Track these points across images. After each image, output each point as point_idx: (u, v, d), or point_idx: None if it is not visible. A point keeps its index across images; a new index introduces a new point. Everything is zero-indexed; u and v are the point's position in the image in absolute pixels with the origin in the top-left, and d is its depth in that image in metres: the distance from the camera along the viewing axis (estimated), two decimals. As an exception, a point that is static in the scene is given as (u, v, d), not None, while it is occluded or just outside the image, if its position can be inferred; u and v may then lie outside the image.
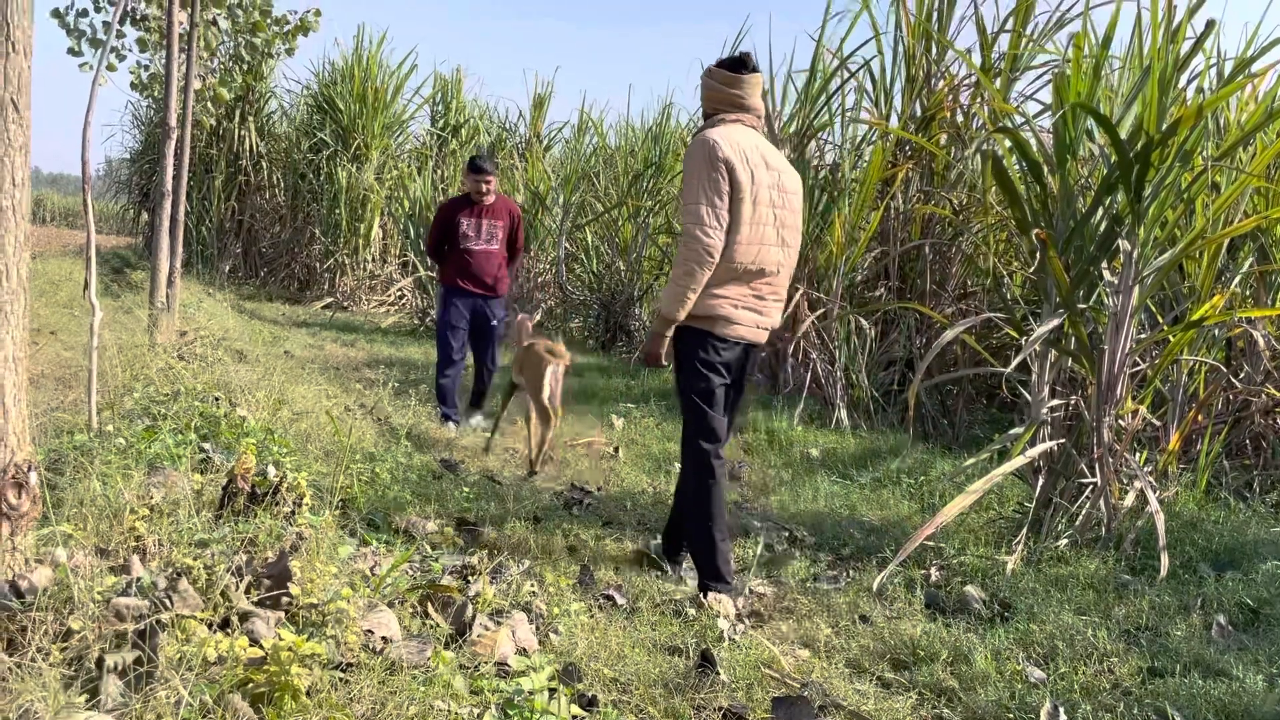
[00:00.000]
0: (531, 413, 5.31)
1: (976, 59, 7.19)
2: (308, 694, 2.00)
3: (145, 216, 18.58)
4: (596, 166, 12.77)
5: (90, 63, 9.05)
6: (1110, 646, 3.14)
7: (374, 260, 15.46)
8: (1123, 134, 4.18)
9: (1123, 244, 4.18)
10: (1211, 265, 5.03)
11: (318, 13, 10.54)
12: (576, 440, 6.20)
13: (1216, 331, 5.35)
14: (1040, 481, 4.37)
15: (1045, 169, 4.50)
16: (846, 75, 8.09)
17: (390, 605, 2.65)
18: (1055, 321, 4.18)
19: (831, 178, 8.15)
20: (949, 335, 4.19)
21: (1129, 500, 4.20)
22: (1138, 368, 5.03)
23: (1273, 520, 4.64)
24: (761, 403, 7.30)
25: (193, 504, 2.78)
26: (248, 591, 2.31)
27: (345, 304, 14.75)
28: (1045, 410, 4.33)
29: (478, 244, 6.39)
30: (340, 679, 2.14)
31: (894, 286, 7.81)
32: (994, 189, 6.73)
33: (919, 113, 7.70)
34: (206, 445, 3.71)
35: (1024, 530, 4.18)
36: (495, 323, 6.52)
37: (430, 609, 2.77)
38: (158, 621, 2.00)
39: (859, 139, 8.41)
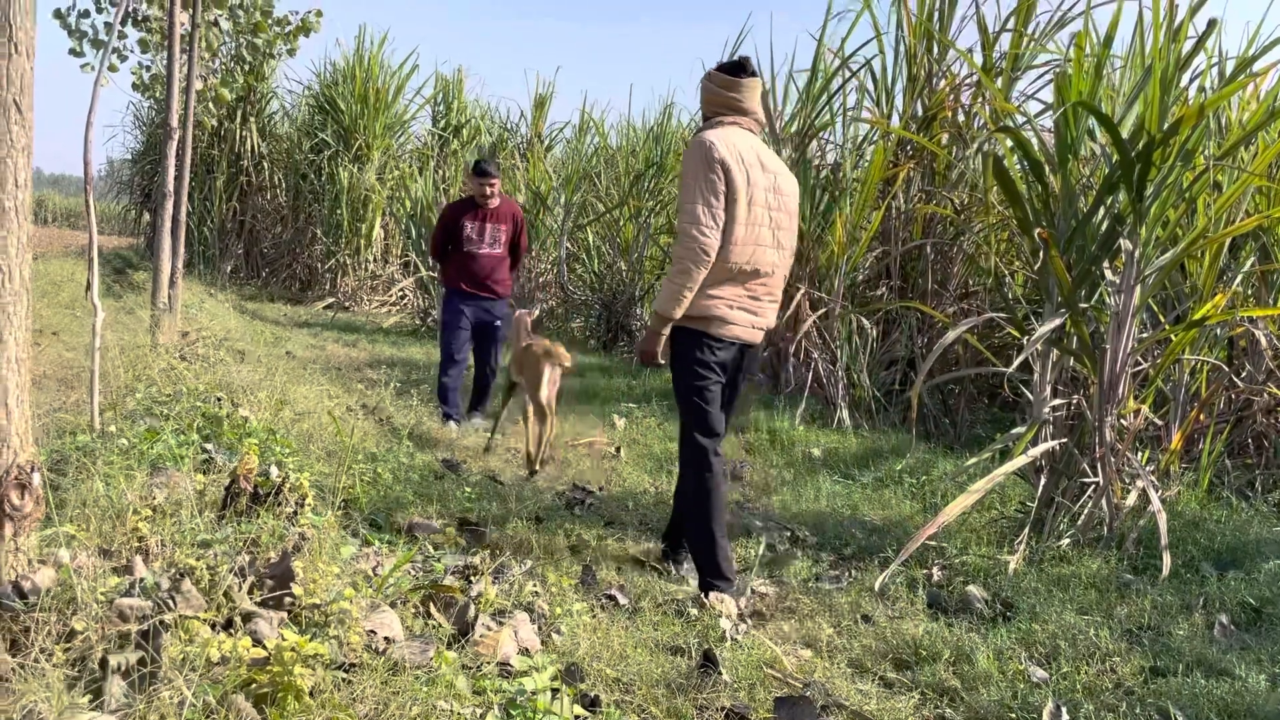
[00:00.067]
0: (530, 412, 5.32)
1: (978, 58, 7.20)
2: (311, 694, 2.00)
3: (147, 217, 18.60)
4: (598, 166, 12.78)
5: (92, 64, 9.06)
6: (1113, 646, 3.14)
7: (375, 260, 15.47)
8: (1124, 133, 4.18)
9: (1124, 243, 4.18)
10: (1213, 264, 5.02)
11: (319, 13, 10.55)
12: (578, 440, 6.20)
13: (1218, 331, 5.34)
14: (1042, 481, 4.37)
15: (1047, 168, 4.50)
16: (848, 75, 8.09)
17: (393, 605, 2.66)
18: (1057, 321, 4.18)
19: (833, 177, 8.15)
20: (951, 336, 4.19)
21: (1131, 500, 4.20)
22: (1140, 367, 5.02)
23: (1275, 519, 4.64)
24: (763, 402, 7.30)
25: (195, 504, 2.78)
26: (251, 592, 2.31)
27: (347, 304, 14.76)
28: (1047, 409, 4.32)
29: (481, 247, 6.42)
30: (343, 679, 2.14)
31: (895, 286, 7.81)
32: (995, 188, 6.72)
33: (920, 112, 7.70)
34: (209, 446, 3.71)
35: (1026, 530, 4.18)
36: (498, 323, 6.53)
37: (433, 609, 2.77)
38: (161, 622, 2.00)
39: (860, 138, 8.41)
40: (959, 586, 3.76)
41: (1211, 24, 4.14)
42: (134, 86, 10.17)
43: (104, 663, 1.93)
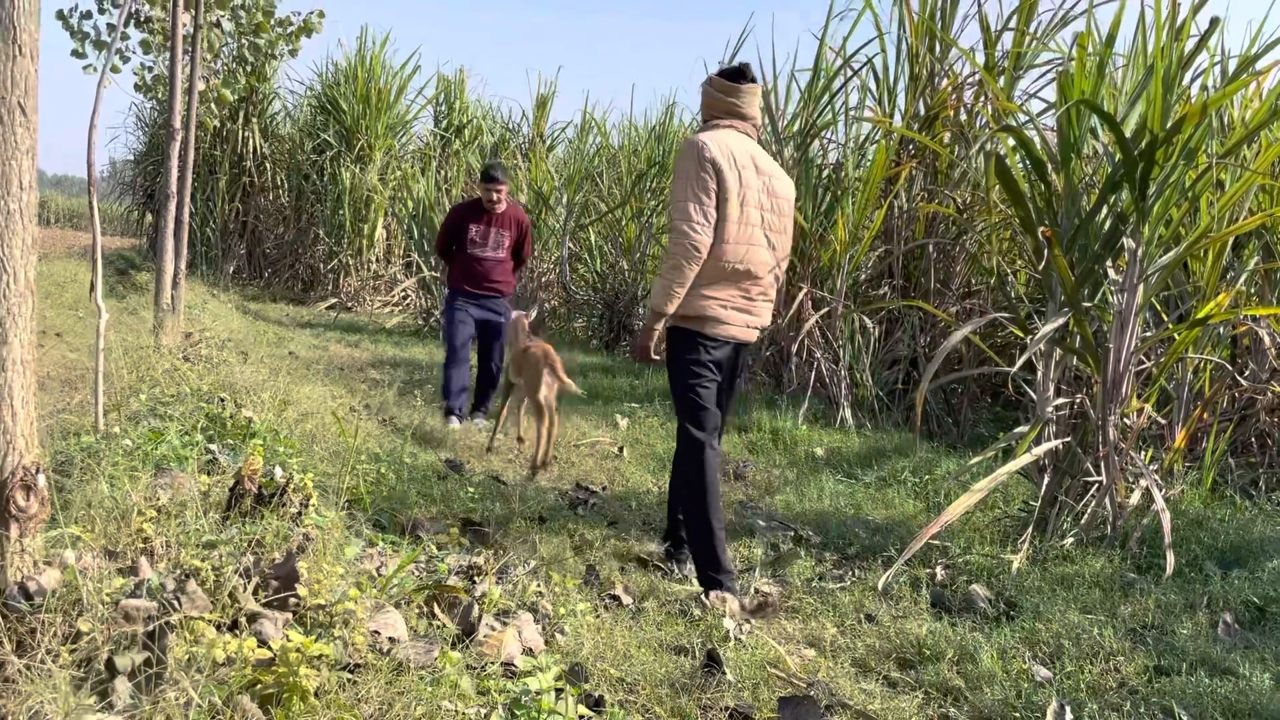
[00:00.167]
0: (530, 412, 5.35)
1: (980, 57, 7.19)
2: (316, 695, 2.01)
3: (149, 218, 18.63)
4: (600, 166, 12.78)
5: (94, 65, 9.07)
6: (1116, 645, 3.14)
7: (378, 261, 15.49)
8: (1127, 132, 4.17)
9: (1127, 242, 4.18)
10: (1216, 263, 5.02)
11: (321, 14, 10.55)
12: (581, 440, 6.21)
13: (1221, 329, 5.34)
14: (1045, 480, 4.37)
15: (1049, 167, 4.50)
16: (850, 74, 8.09)
17: (397, 606, 2.66)
18: (1060, 320, 4.18)
19: (835, 176, 8.15)
20: (956, 338, 4.18)
21: (1135, 498, 4.20)
22: (1143, 366, 5.02)
23: (1279, 518, 4.64)
24: (766, 402, 7.30)
25: (200, 505, 2.79)
26: (255, 593, 2.31)
27: (349, 305, 14.78)
28: (1050, 409, 4.32)
29: (485, 250, 6.54)
30: (348, 680, 2.15)
31: (898, 285, 7.81)
32: (998, 187, 6.71)
33: (922, 111, 7.70)
34: (213, 447, 3.71)
35: (1029, 529, 4.18)
36: (500, 319, 6.59)
37: (436, 609, 2.77)
38: (166, 623, 2.01)
39: (862, 138, 8.41)
40: (962, 586, 3.76)
41: (1214, 22, 4.14)
42: (136, 88, 10.17)
43: (110, 664, 1.93)
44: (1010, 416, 7.29)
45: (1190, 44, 4.23)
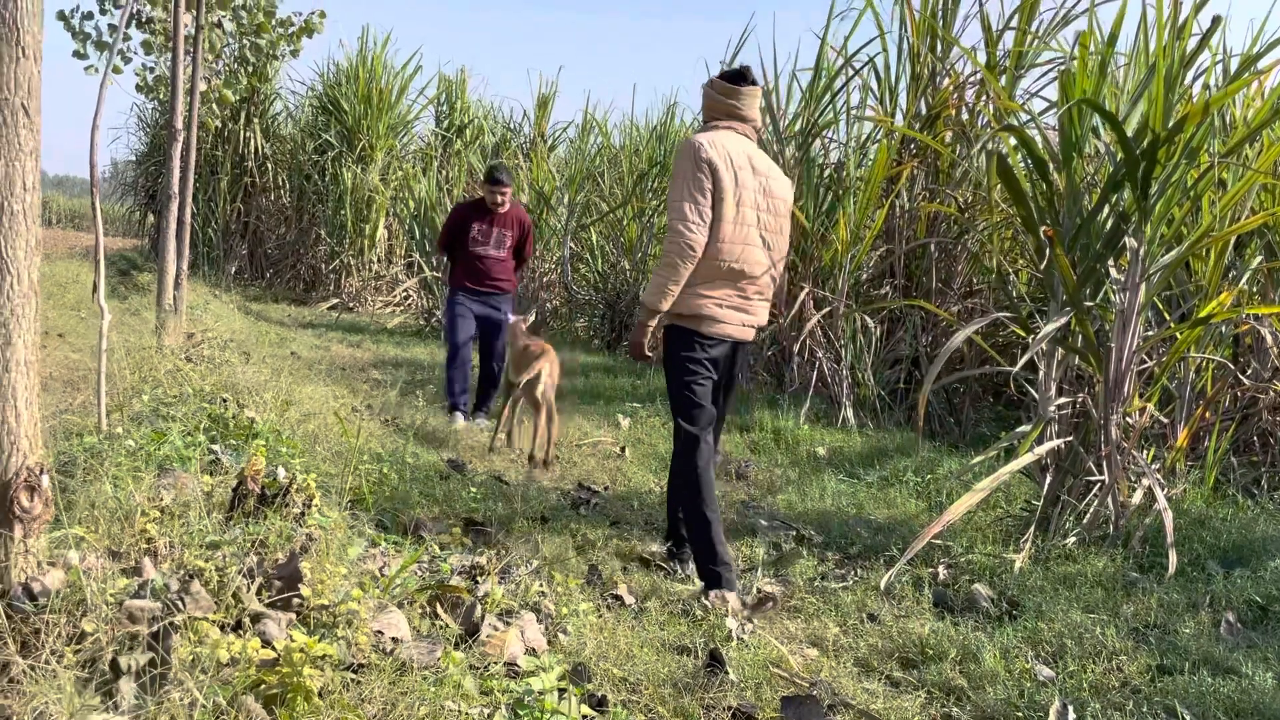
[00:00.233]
0: (526, 411, 5.43)
1: (981, 56, 7.19)
2: (320, 695, 2.01)
3: (151, 218, 18.62)
4: (601, 166, 12.78)
5: (96, 66, 9.07)
6: (1119, 644, 3.14)
7: (379, 261, 15.49)
8: (1129, 131, 4.17)
9: (1129, 241, 4.18)
10: (1219, 262, 5.01)
11: (322, 14, 10.55)
12: (583, 440, 6.21)
13: (1224, 328, 5.33)
14: (1048, 479, 4.37)
15: (1051, 166, 4.50)
16: (851, 73, 8.09)
17: (400, 606, 2.66)
18: (1062, 319, 4.18)
19: (837, 176, 8.14)
20: (959, 338, 4.18)
21: (1137, 498, 4.19)
22: (1145, 365, 5.02)
23: (1281, 517, 4.63)
24: (768, 401, 7.31)
25: (203, 506, 2.79)
26: (259, 593, 2.32)
27: (351, 305, 14.79)
28: (1052, 408, 4.32)
29: (487, 249, 6.61)
30: (351, 680, 2.15)
31: (899, 284, 7.81)
32: (999, 187, 6.71)
33: (924, 110, 7.69)
34: (215, 447, 3.72)
35: (1032, 528, 4.18)
36: (503, 316, 6.65)
37: (439, 609, 2.77)
38: (170, 623, 2.01)
39: (864, 137, 8.41)
40: (965, 585, 3.76)
41: (1216, 21, 4.14)
42: (138, 88, 10.16)
43: (115, 664, 1.94)
44: (1012, 416, 7.29)
45: (1192, 43, 4.23)
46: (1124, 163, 4.03)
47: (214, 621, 2.14)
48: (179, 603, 2.10)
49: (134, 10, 8.92)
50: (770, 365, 8.21)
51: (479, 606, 2.79)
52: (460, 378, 6.60)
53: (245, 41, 10.38)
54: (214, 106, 9.80)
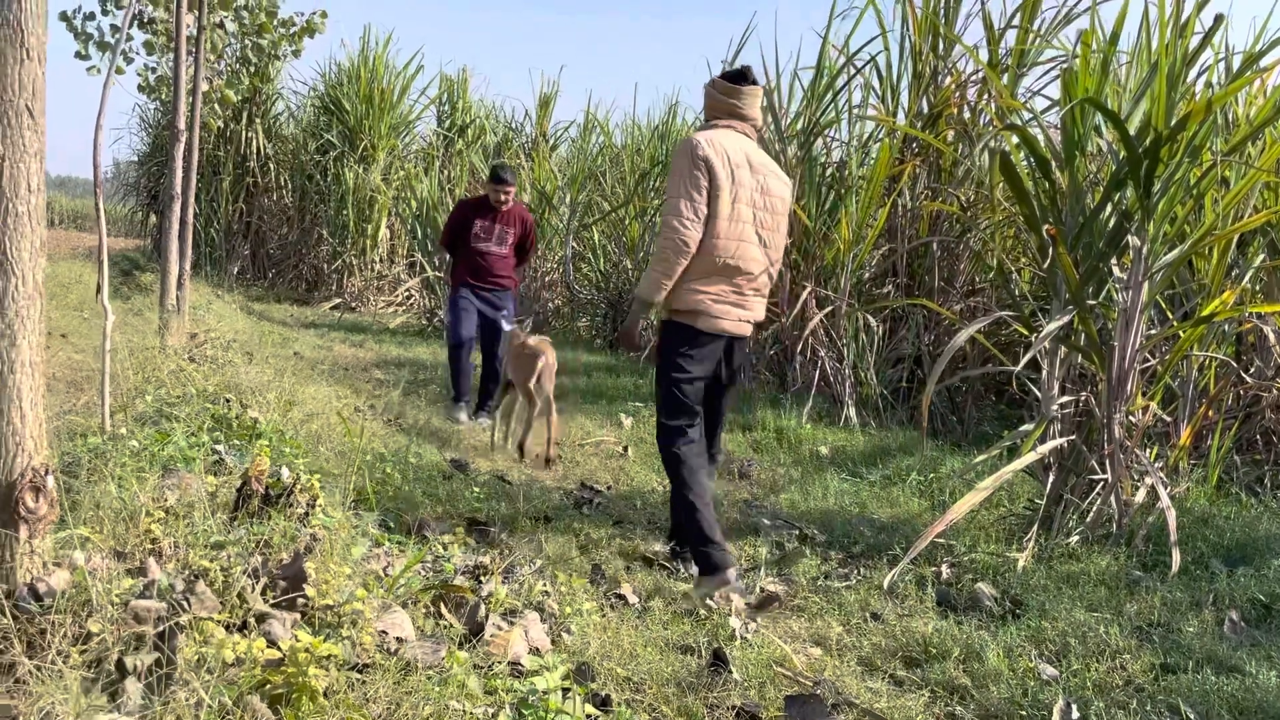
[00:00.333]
0: (525, 404, 5.55)
1: (983, 55, 7.19)
2: (325, 695, 2.02)
3: (153, 219, 18.61)
4: (603, 165, 12.78)
5: (98, 66, 9.07)
6: (1122, 643, 3.14)
7: (381, 261, 15.49)
8: (1131, 129, 4.17)
9: (1132, 240, 4.17)
10: (1221, 260, 5.01)
11: (324, 14, 10.55)
12: (585, 439, 6.21)
13: (1227, 327, 5.33)
14: (1051, 478, 4.37)
15: (1053, 165, 4.49)
16: (853, 72, 8.09)
17: (404, 606, 2.67)
18: (1065, 318, 4.18)
19: (839, 175, 8.14)
20: (961, 338, 4.18)
21: (1140, 496, 4.19)
22: (1148, 364, 5.02)
23: (1284, 515, 4.63)
24: (771, 400, 7.31)
25: (207, 506, 2.80)
26: (264, 593, 2.32)
27: (353, 305, 14.79)
28: (1055, 407, 4.32)
29: (489, 246, 6.71)
30: (356, 679, 2.15)
31: (902, 283, 7.80)
32: (1002, 185, 6.71)
33: (926, 109, 7.69)
34: (219, 447, 3.72)
35: (1035, 527, 4.18)
36: (505, 312, 6.76)
37: (443, 609, 2.78)
38: (176, 624, 2.02)
39: (866, 136, 8.41)
40: (968, 584, 3.76)
41: (1218, 19, 4.14)
42: (140, 89, 10.15)
43: (120, 664, 1.94)
44: (1015, 414, 7.29)
45: (1194, 41, 4.22)
46: (1126, 161, 4.03)
47: (219, 622, 2.14)
48: (184, 603, 2.11)
49: (136, 11, 8.93)
50: (773, 364, 8.21)
51: (483, 606, 2.80)
52: (463, 371, 6.73)
53: (247, 42, 10.38)
54: (216, 107, 9.80)
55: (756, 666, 2.90)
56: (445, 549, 3.54)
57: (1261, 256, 5.54)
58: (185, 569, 2.36)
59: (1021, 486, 4.85)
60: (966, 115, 7.54)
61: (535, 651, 2.70)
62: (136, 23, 9.11)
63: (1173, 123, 4.00)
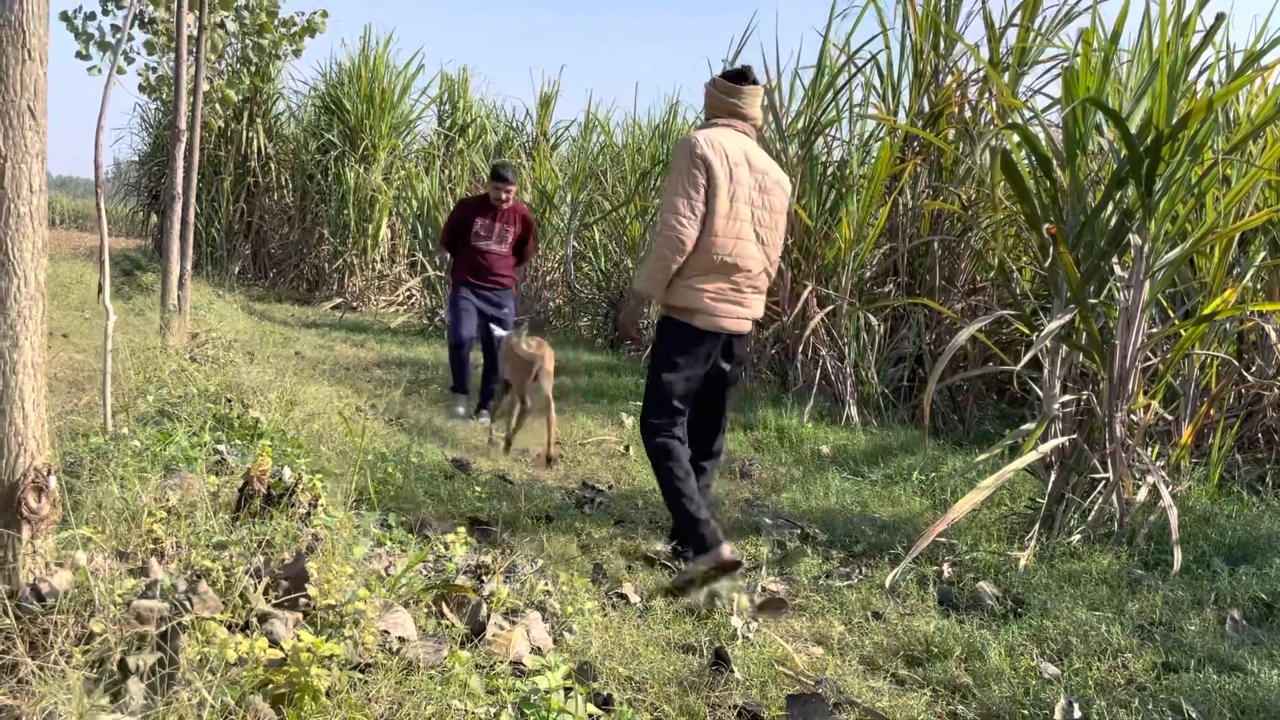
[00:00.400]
0: (521, 402, 5.61)
1: (984, 53, 7.18)
2: (327, 694, 2.02)
3: (154, 219, 18.61)
4: (604, 165, 12.78)
5: (99, 66, 9.08)
6: (1124, 642, 3.14)
7: (382, 260, 15.49)
8: (1132, 128, 4.17)
9: (1133, 238, 4.17)
10: (1223, 259, 5.01)
11: (324, 14, 10.54)
12: (587, 439, 6.21)
13: (1228, 325, 5.33)
14: (1052, 477, 4.37)
15: (1055, 164, 4.49)
16: (854, 71, 8.08)
17: (406, 605, 2.67)
18: (1066, 317, 4.17)
19: (839, 174, 8.14)
20: (963, 336, 4.18)
21: (1142, 495, 4.19)
22: (1149, 362, 5.02)
23: (1286, 514, 4.63)
24: (772, 400, 7.31)
25: (209, 506, 2.80)
26: (266, 593, 2.32)
27: (354, 304, 14.79)
28: (1057, 405, 4.32)
29: (489, 244, 6.76)
30: (359, 679, 2.16)
31: (903, 282, 7.80)
32: (1003, 184, 6.71)
33: (927, 108, 7.68)
34: (221, 447, 3.73)
35: (1036, 526, 4.18)
36: (505, 311, 6.79)
37: (445, 609, 2.78)
38: (178, 624, 2.02)
39: (867, 135, 8.40)
40: (970, 583, 3.76)
41: (1219, 18, 4.13)
42: (141, 89, 10.15)
43: (123, 664, 1.95)
44: (1016, 413, 7.29)
45: (1196, 39, 4.22)
46: (1128, 160, 4.03)
47: (221, 621, 2.15)
48: (186, 603, 2.11)
49: (137, 11, 8.93)
50: (774, 363, 8.21)
51: (484, 606, 2.80)
52: (463, 369, 6.83)
53: (248, 41, 10.38)
54: (217, 106, 9.80)
55: (758, 666, 2.91)
56: (447, 548, 3.54)
57: (1263, 255, 5.54)
58: (187, 569, 2.37)
59: (1023, 485, 4.85)
60: (967, 114, 7.54)
61: (537, 651, 2.70)
62: (137, 23, 9.12)
63: (1174, 121, 4.00)
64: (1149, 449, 4.61)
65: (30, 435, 2.17)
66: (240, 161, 15.88)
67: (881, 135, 8.04)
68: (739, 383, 3.97)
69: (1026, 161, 5.48)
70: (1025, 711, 2.71)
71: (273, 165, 16.11)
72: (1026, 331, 4.90)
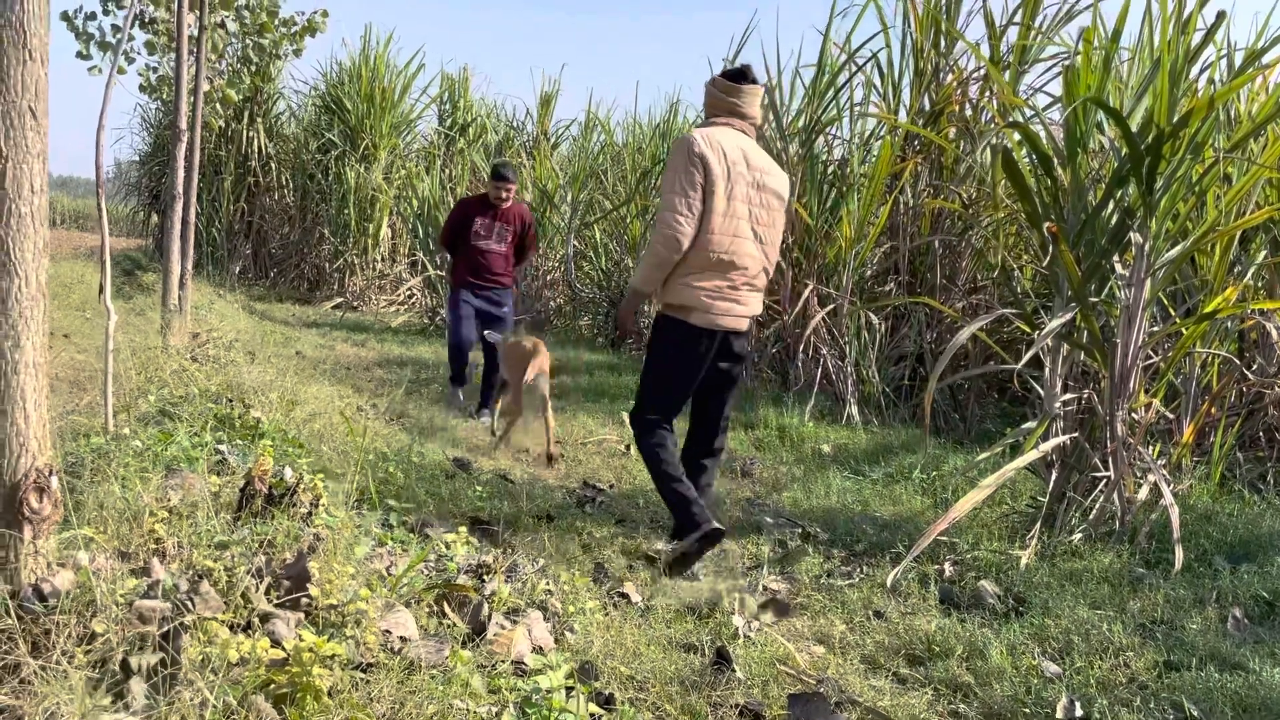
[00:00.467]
0: (513, 404, 5.65)
1: (985, 52, 7.18)
2: (329, 694, 2.02)
3: (155, 219, 18.62)
4: (604, 164, 12.78)
5: (100, 66, 9.08)
6: (1125, 640, 3.14)
7: (383, 260, 15.50)
8: (1133, 126, 4.16)
9: (1134, 237, 4.17)
10: (1224, 257, 5.01)
11: (325, 14, 10.54)
12: (588, 438, 6.21)
13: (1229, 324, 5.32)
14: (1053, 476, 4.37)
15: (1055, 162, 4.49)
16: (854, 69, 8.08)
17: (407, 605, 2.67)
18: (1067, 315, 4.17)
19: (840, 172, 8.14)
20: (963, 335, 4.18)
21: (1143, 494, 4.19)
22: (1150, 361, 5.01)
23: (1287, 512, 4.62)
24: (773, 399, 7.31)
25: (211, 506, 2.80)
26: (268, 593, 2.32)
27: (355, 304, 14.79)
28: (1058, 404, 4.32)
29: (489, 243, 6.78)
30: (360, 679, 2.16)
31: (904, 281, 7.80)
32: (1004, 182, 6.71)
33: (927, 107, 7.68)
34: (222, 447, 3.73)
35: (1038, 525, 4.18)
36: (505, 310, 6.84)
37: (447, 608, 2.78)
38: (180, 624, 2.02)
39: (867, 134, 8.40)
40: (971, 582, 3.76)
41: (1220, 16, 4.13)
42: (141, 89, 10.16)
43: (125, 664, 1.95)
44: (1017, 412, 7.28)
45: (1197, 38, 4.22)
46: (1129, 158, 4.03)
47: (223, 621, 2.15)
48: (188, 603, 2.11)
49: (137, 11, 8.93)
50: (775, 362, 8.21)
51: (486, 605, 2.80)
52: (463, 365, 6.90)
53: (248, 41, 10.38)
54: (217, 106, 9.79)
55: (760, 665, 2.91)
56: (448, 548, 3.55)
57: (1264, 253, 5.53)
58: (189, 569, 2.37)
59: (1024, 484, 4.85)
60: (968, 112, 7.53)
61: (538, 650, 2.71)
62: (138, 23, 9.12)
63: (1175, 119, 4.00)
64: (1150, 447, 4.61)
65: (32, 435, 2.17)
66: (241, 161, 15.88)
67: (882, 134, 8.04)
68: (739, 381, 3.97)
69: (1027, 160, 5.48)
70: (1027, 710, 2.71)
71: (273, 165, 16.12)
72: (1027, 330, 4.90)
